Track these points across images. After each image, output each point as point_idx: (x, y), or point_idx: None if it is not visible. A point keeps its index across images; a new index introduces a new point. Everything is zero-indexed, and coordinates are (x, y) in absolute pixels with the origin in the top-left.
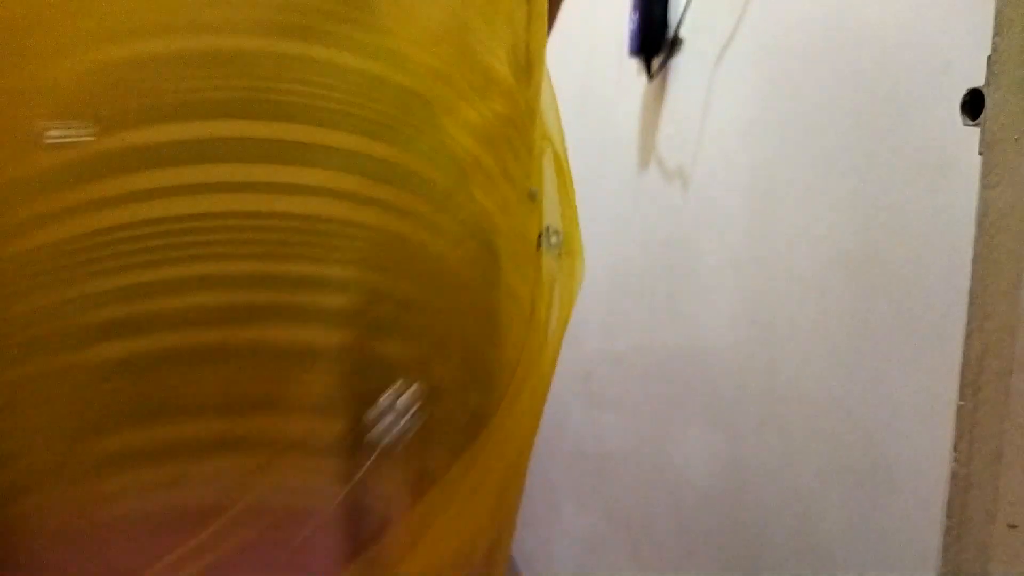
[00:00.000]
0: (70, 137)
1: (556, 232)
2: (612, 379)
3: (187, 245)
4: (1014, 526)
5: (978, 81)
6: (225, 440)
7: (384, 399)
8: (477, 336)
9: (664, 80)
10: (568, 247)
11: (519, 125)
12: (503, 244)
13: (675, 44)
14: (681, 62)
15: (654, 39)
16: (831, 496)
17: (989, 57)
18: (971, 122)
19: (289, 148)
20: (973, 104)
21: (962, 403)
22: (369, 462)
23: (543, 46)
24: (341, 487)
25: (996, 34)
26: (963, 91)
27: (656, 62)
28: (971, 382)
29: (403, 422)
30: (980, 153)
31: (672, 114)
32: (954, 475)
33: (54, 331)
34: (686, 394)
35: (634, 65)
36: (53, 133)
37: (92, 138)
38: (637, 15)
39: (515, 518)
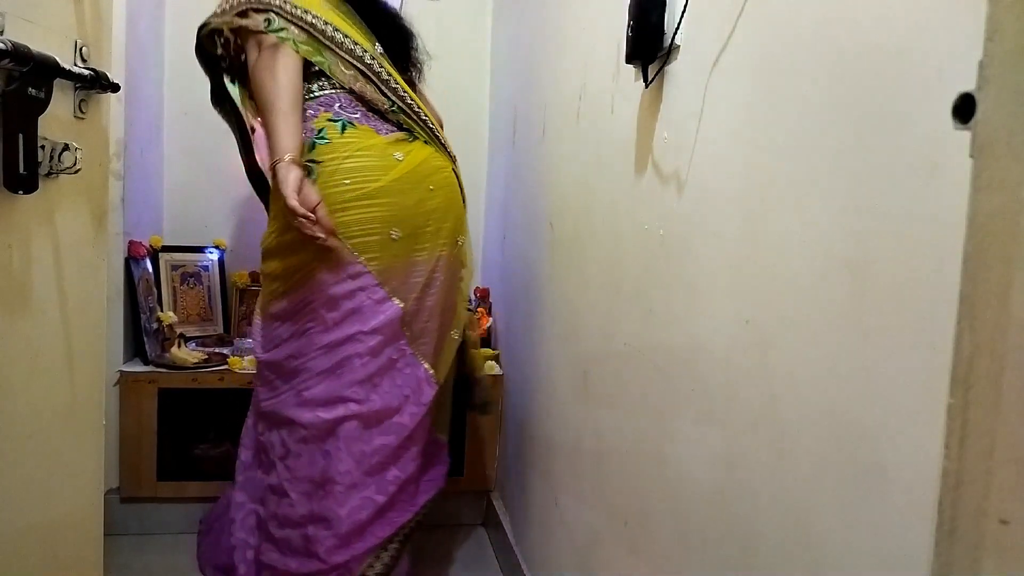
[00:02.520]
0: None
1: None
2: (609, 378)
3: None
4: (1005, 522)
5: (969, 86)
6: None
7: None
8: None
9: (660, 86)
10: None
11: None
12: None
13: (671, 51)
14: (677, 68)
15: (650, 46)
16: (824, 492)
17: (980, 62)
18: (962, 126)
19: None
20: (964, 108)
21: (952, 401)
22: None
23: None
24: None
25: (988, 39)
26: (954, 95)
27: (652, 68)
28: (962, 381)
29: None
30: (971, 156)
31: (668, 119)
32: (945, 472)
33: None
34: (682, 393)
35: (631, 71)
36: None
37: None
38: (634, 23)
39: None
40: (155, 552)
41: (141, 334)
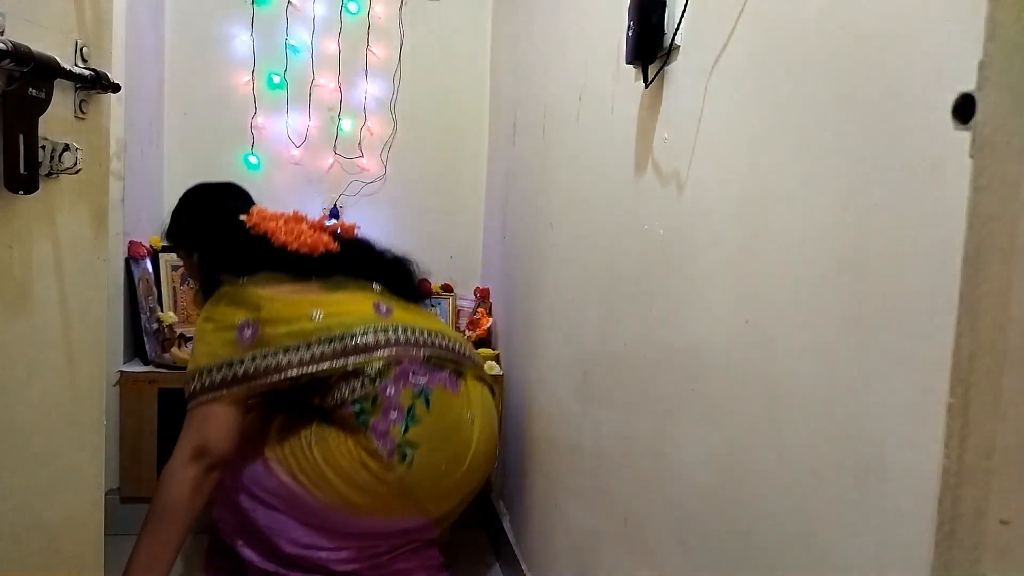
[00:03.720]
0: None
1: None
2: (609, 377)
3: None
4: (1005, 522)
5: (969, 86)
6: None
7: None
8: None
9: (660, 86)
10: None
11: None
12: None
13: (671, 51)
14: (677, 69)
15: (651, 46)
16: (824, 492)
17: (980, 62)
18: (962, 126)
19: None
20: (964, 108)
21: (952, 401)
22: None
23: None
24: None
25: (988, 39)
26: (954, 95)
27: (653, 69)
28: (962, 380)
29: None
30: (971, 156)
31: (668, 119)
32: (945, 471)
33: None
34: (682, 392)
35: (631, 72)
36: None
37: None
38: (634, 23)
39: None
40: None
41: (141, 334)
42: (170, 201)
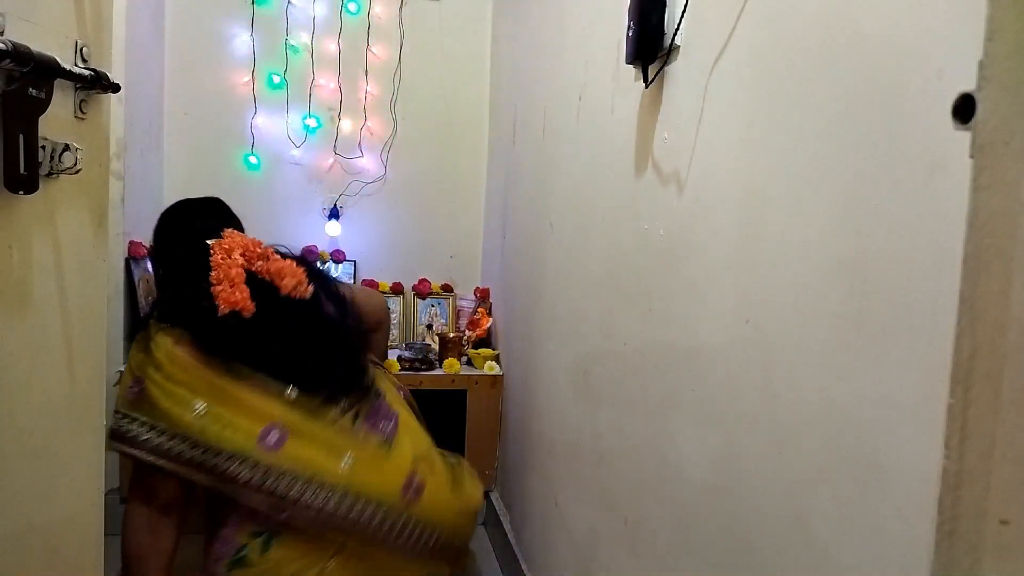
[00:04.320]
0: None
1: None
2: (610, 377)
3: None
4: (1005, 522)
5: (969, 86)
6: None
7: None
8: None
9: (660, 86)
10: None
11: None
12: None
13: (671, 51)
14: (677, 69)
15: (651, 47)
16: (824, 492)
17: (980, 62)
18: (962, 126)
19: None
20: (964, 108)
21: (952, 401)
22: None
23: None
24: None
25: (988, 39)
26: (954, 95)
27: (652, 69)
28: (962, 380)
29: None
30: (971, 156)
31: (668, 119)
32: (945, 472)
33: None
34: (682, 392)
35: (631, 72)
36: None
37: None
38: (634, 23)
39: None
40: None
41: None
42: (170, 201)
